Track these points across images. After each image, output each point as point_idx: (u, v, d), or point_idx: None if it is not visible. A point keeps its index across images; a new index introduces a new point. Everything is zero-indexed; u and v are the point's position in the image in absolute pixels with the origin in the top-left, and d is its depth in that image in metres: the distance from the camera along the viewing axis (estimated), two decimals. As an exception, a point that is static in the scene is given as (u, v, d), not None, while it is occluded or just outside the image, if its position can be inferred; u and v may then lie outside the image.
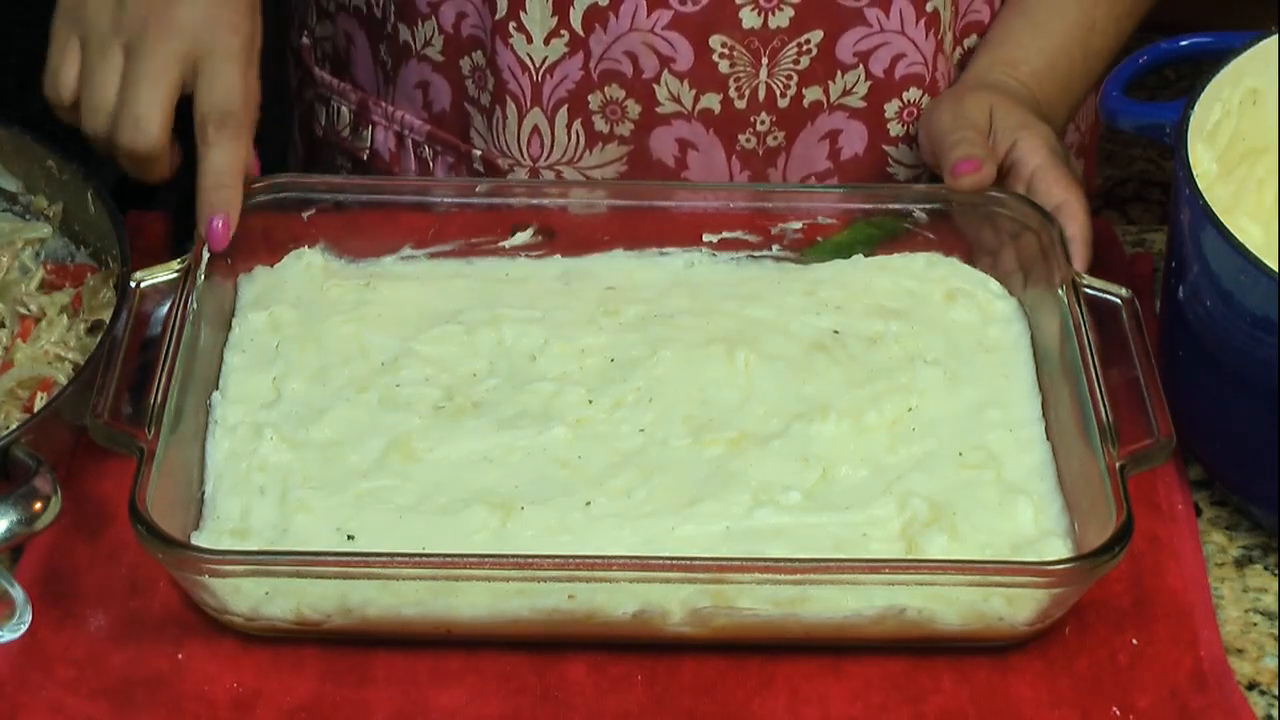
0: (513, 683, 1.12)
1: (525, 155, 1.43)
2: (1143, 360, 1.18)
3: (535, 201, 1.33)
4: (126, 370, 1.16)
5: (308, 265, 1.32)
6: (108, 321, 1.21)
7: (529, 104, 1.41)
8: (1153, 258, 1.40)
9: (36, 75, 1.32)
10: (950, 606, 1.10)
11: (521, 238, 1.33)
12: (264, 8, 1.32)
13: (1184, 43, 1.29)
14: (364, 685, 1.12)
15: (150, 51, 1.26)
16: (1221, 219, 1.13)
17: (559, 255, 1.34)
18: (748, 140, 1.42)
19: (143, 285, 1.22)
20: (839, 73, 1.40)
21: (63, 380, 1.22)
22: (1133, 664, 1.13)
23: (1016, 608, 1.10)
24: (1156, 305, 1.32)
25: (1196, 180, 1.16)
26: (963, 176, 1.30)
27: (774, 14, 1.36)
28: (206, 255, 1.25)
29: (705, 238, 1.34)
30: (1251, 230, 1.25)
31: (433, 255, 1.33)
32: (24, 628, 1.09)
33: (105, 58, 1.27)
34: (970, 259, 1.33)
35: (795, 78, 1.39)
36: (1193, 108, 1.20)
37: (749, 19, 1.37)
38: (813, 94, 1.40)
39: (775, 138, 1.42)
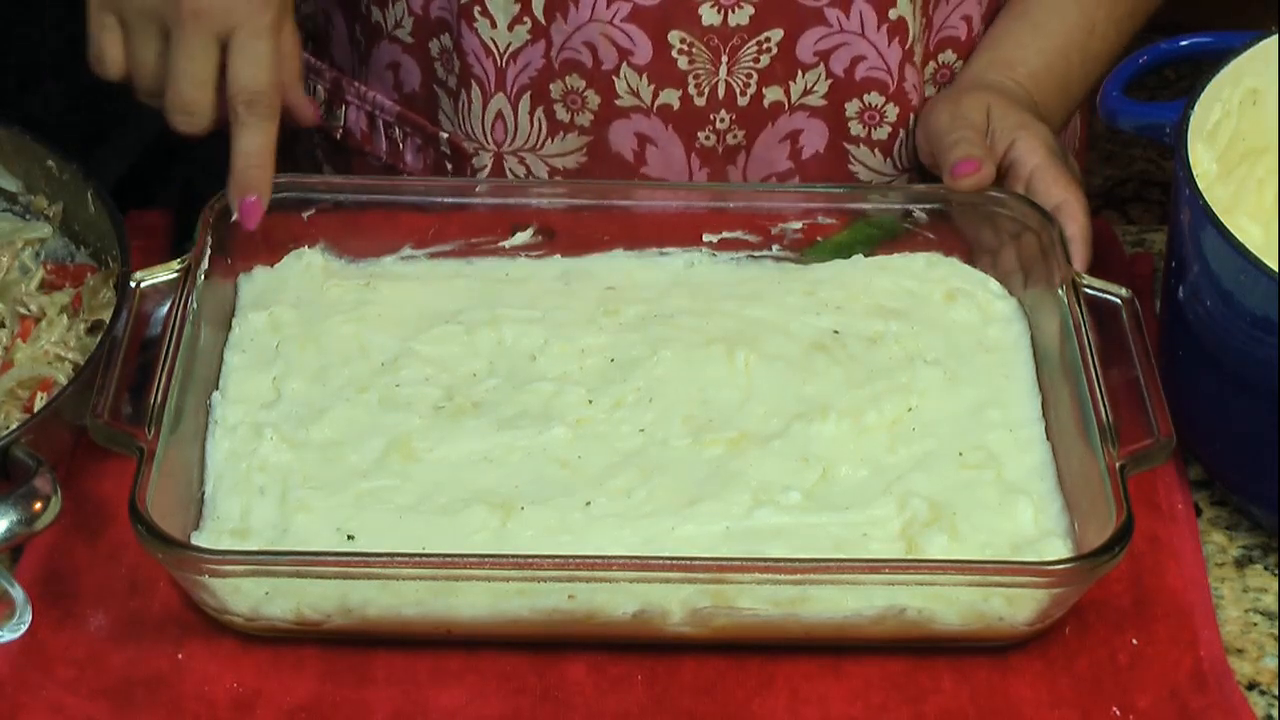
0: (513, 683, 1.12)
1: (490, 140, 1.43)
2: (1143, 360, 1.18)
3: (535, 201, 1.33)
4: (126, 370, 1.16)
5: (308, 265, 1.32)
6: (108, 321, 1.21)
7: (493, 89, 1.41)
8: (1153, 258, 1.40)
9: (37, 75, 1.32)
10: (950, 606, 1.10)
11: (521, 238, 1.34)
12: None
13: (1184, 43, 1.29)
14: (364, 685, 1.12)
15: (185, 36, 1.27)
16: (1221, 219, 1.13)
17: (559, 255, 1.34)
18: (707, 138, 1.42)
19: (143, 285, 1.22)
20: (799, 72, 1.40)
21: (63, 380, 1.22)
22: (1133, 664, 1.13)
23: (1016, 608, 1.10)
24: (1156, 305, 1.32)
25: (1196, 180, 1.16)
26: (962, 177, 1.30)
27: (734, 11, 1.36)
28: (207, 255, 1.25)
29: (705, 238, 1.34)
30: (1251, 230, 1.25)
31: (433, 255, 1.33)
32: (24, 628, 1.09)
33: (144, 40, 1.29)
34: (970, 259, 1.33)
35: (755, 76, 1.39)
36: (1193, 108, 1.20)
37: (709, 16, 1.37)
38: (773, 94, 1.40)
39: (735, 136, 1.42)
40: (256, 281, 1.31)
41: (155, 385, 1.16)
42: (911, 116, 1.42)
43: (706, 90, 1.39)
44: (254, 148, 1.29)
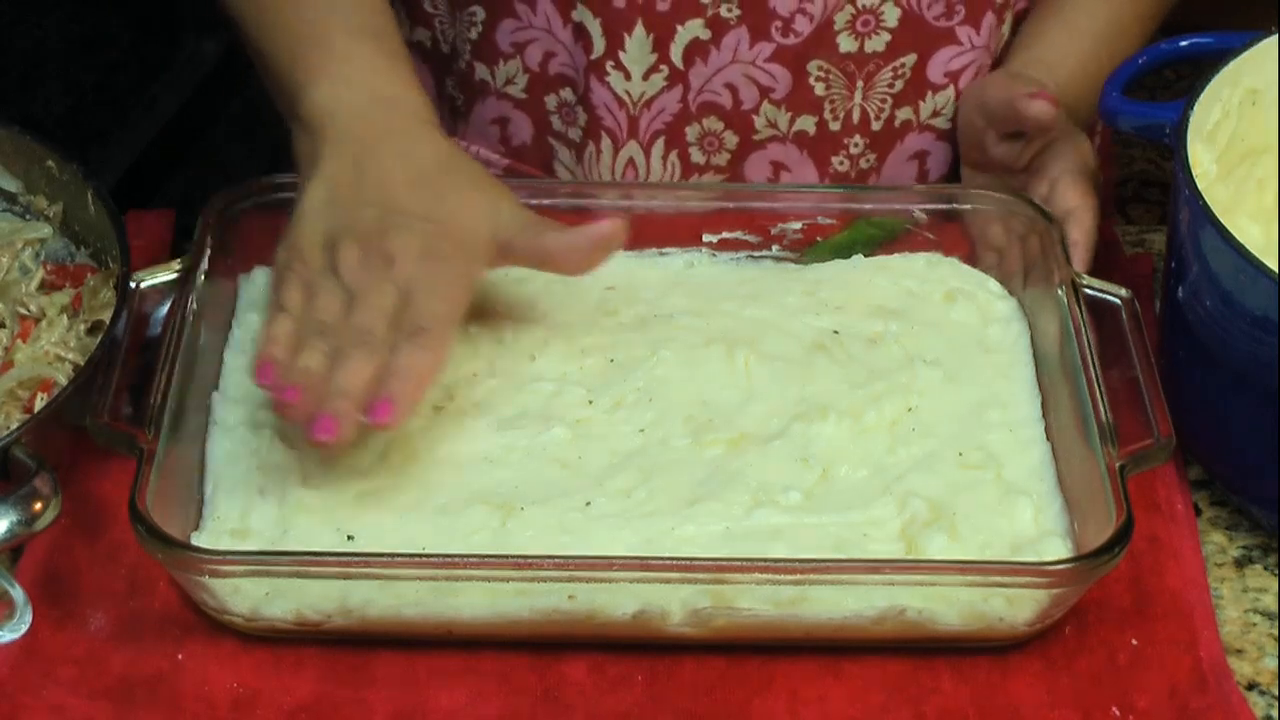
0: (513, 683, 1.12)
1: None
2: (1143, 360, 1.18)
3: (536, 202, 1.33)
4: (126, 370, 1.17)
5: (308, 265, 1.32)
6: (108, 321, 1.21)
7: (625, 138, 1.40)
8: (1153, 258, 1.40)
9: (37, 75, 1.32)
10: (950, 607, 1.10)
11: (522, 238, 1.33)
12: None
13: (1184, 43, 1.29)
14: (364, 685, 1.12)
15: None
16: (1221, 219, 1.13)
17: (559, 255, 1.33)
18: (840, 163, 1.41)
19: (143, 285, 1.22)
20: (929, 93, 1.40)
21: (63, 380, 1.22)
22: (1133, 664, 1.13)
23: (1016, 608, 1.10)
24: (1156, 305, 1.32)
25: (1196, 180, 1.16)
26: (1037, 100, 1.29)
27: (870, 38, 1.36)
28: (207, 255, 1.25)
29: (705, 238, 1.34)
30: (1251, 230, 1.25)
31: (433, 255, 1.33)
32: (24, 628, 1.09)
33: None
34: (971, 258, 1.33)
35: (890, 101, 1.39)
36: (1193, 108, 1.20)
37: (846, 43, 1.36)
38: (904, 114, 1.41)
39: (868, 160, 1.42)
40: (256, 282, 1.31)
41: (155, 386, 1.16)
42: None
43: (841, 115, 1.39)
44: (411, 366, 1.13)
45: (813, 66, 1.37)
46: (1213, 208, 1.13)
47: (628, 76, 1.37)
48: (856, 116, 1.40)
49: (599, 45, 1.36)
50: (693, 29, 1.35)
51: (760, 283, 1.32)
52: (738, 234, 1.34)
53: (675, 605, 1.10)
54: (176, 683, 1.12)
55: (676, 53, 1.36)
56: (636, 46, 1.36)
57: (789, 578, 1.08)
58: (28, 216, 1.36)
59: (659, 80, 1.37)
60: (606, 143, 1.40)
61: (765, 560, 1.10)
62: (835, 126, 1.40)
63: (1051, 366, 1.23)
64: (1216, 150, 1.24)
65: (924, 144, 1.43)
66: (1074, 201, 1.30)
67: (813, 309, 1.30)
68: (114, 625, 1.15)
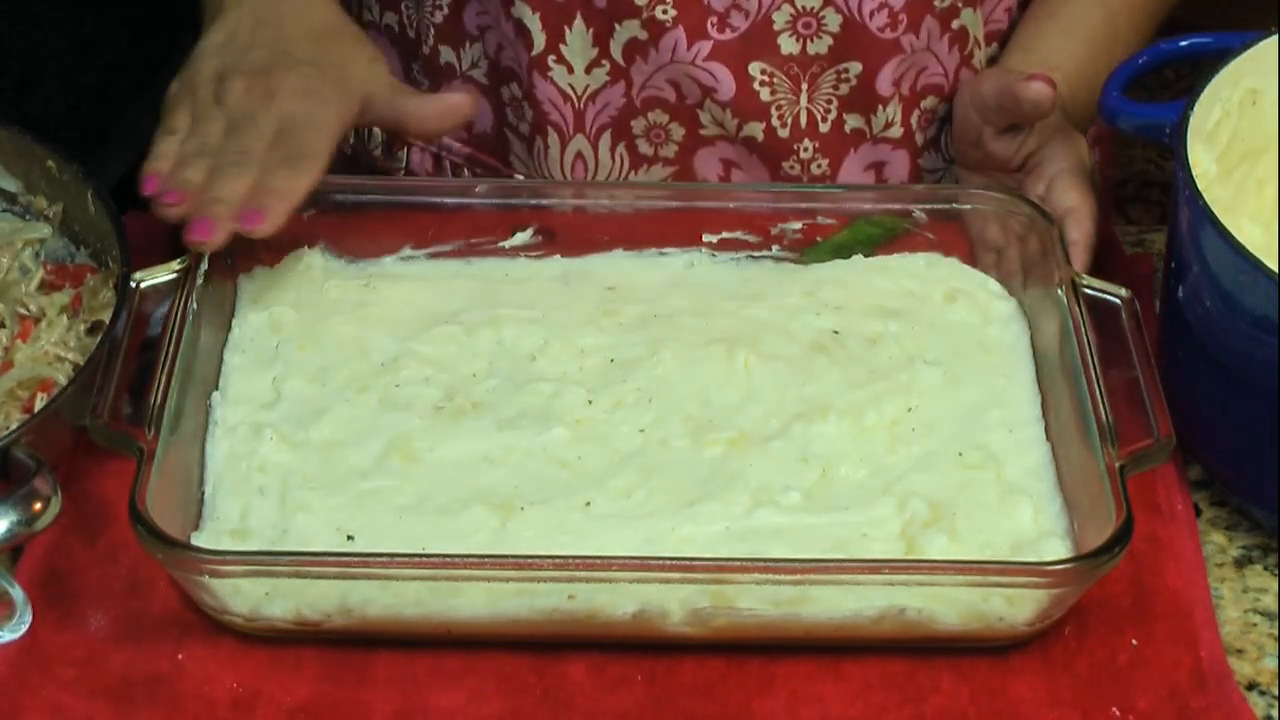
0: (513, 683, 1.12)
1: (570, 178, 1.42)
2: (1142, 360, 1.18)
3: (535, 201, 1.33)
4: (126, 370, 1.17)
5: (308, 265, 1.32)
6: (108, 321, 1.21)
7: (571, 132, 1.40)
8: (1153, 258, 1.40)
9: (37, 75, 1.32)
10: (950, 606, 1.10)
11: (521, 238, 1.34)
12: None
13: (1184, 43, 1.29)
14: (364, 685, 1.12)
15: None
16: (1221, 219, 1.13)
17: (559, 255, 1.34)
18: (791, 166, 1.41)
19: (143, 285, 1.23)
20: (880, 106, 1.40)
21: (63, 380, 1.22)
22: (1133, 664, 1.13)
23: (1016, 608, 1.10)
24: (1156, 305, 1.32)
25: (1196, 180, 1.16)
26: (1035, 82, 1.28)
27: (812, 41, 1.36)
28: (207, 255, 1.25)
29: (705, 238, 1.34)
30: (1251, 230, 1.25)
31: (433, 255, 1.33)
32: (24, 628, 1.09)
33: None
34: (971, 258, 1.33)
35: (835, 102, 1.39)
36: (1193, 108, 1.20)
37: (787, 45, 1.36)
38: (854, 120, 1.40)
39: (819, 165, 1.42)
40: (256, 282, 1.31)
41: (155, 386, 1.16)
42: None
43: (789, 120, 1.39)
44: (281, 185, 1.23)
45: (755, 69, 1.37)
46: (1213, 208, 1.13)
47: (570, 70, 1.38)
48: (804, 120, 1.40)
49: (539, 41, 1.38)
50: (630, 28, 1.36)
51: (760, 283, 1.32)
52: (738, 234, 1.34)
53: (675, 605, 1.10)
54: (176, 683, 1.12)
55: (616, 50, 1.37)
56: (577, 40, 1.37)
57: (789, 578, 1.08)
58: (28, 216, 1.36)
59: (601, 75, 1.38)
60: (554, 137, 1.41)
61: (765, 560, 1.10)
62: (784, 133, 1.40)
63: (1051, 366, 1.23)
64: (1216, 150, 1.24)
65: (880, 155, 1.43)
66: (1073, 201, 1.30)
67: (813, 309, 1.30)
68: (114, 625, 1.15)
